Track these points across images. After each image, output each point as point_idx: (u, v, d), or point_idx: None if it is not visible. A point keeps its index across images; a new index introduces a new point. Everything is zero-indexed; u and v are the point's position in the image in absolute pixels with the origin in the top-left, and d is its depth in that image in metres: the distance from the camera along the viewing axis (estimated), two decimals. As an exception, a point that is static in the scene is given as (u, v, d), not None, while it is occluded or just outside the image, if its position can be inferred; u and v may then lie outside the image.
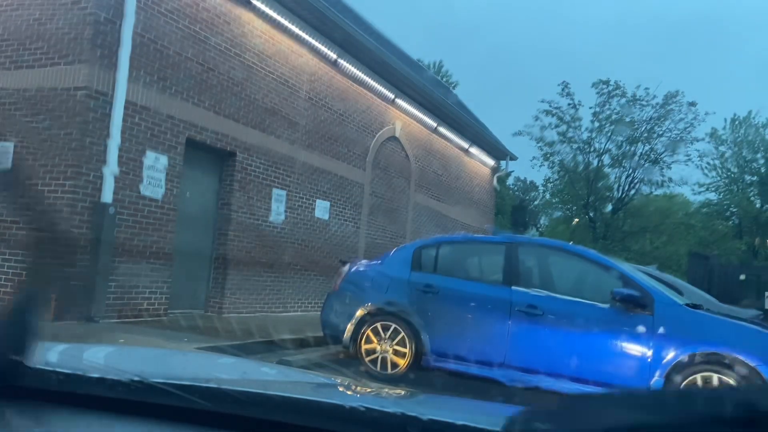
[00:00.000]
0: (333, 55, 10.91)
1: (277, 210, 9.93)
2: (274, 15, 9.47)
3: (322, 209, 11.06)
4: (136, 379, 0.86)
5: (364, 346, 6.29)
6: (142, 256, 7.49)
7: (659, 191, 31.78)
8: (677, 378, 5.04)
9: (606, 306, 5.42)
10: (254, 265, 9.38)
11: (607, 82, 29.23)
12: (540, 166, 31.97)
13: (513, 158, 19.58)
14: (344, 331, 6.34)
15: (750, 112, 33.67)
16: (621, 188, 31.35)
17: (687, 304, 5.52)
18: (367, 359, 6.27)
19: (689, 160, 30.36)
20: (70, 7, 7.02)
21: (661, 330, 5.19)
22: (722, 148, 33.82)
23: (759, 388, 0.80)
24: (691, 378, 5.01)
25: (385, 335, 6.22)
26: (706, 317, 5.41)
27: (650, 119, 29.36)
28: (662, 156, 29.94)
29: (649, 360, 5.17)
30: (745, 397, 0.74)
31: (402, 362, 6.13)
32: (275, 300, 9.93)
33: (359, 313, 6.35)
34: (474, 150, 17.32)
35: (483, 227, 13.75)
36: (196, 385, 0.85)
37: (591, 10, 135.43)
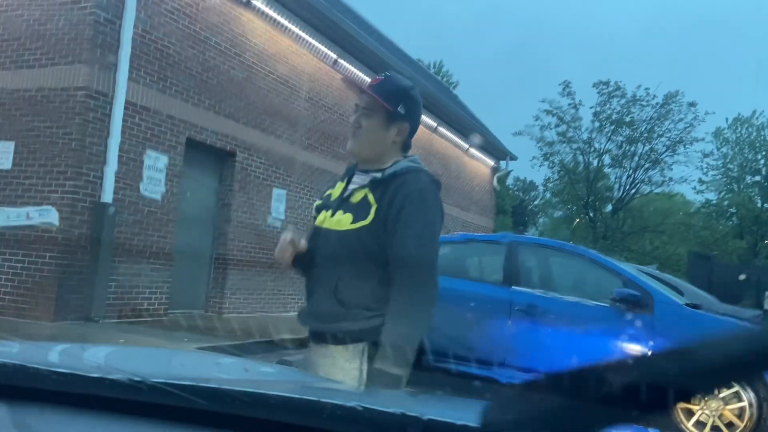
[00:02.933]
0: (333, 55, 10.91)
1: (277, 210, 9.93)
2: (274, 15, 9.47)
3: (322, 209, 11.04)
4: (136, 379, 0.86)
5: (364, 346, 6.28)
6: (142, 256, 7.49)
7: (659, 190, 31.78)
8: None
9: (606, 306, 5.42)
10: (254, 265, 9.38)
11: (607, 83, 29.28)
12: (540, 166, 32.01)
13: (513, 158, 19.58)
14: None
15: (754, 112, 33.59)
16: (621, 188, 31.35)
17: (687, 304, 5.52)
18: (367, 359, 6.26)
19: (689, 161, 30.37)
20: (70, 7, 7.02)
21: (661, 330, 5.19)
22: (724, 149, 33.78)
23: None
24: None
25: (385, 335, 6.21)
26: (706, 317, 5.41)
27: (650, 119, 29.37)
28: (663, 157, 29.95)
29: (649, 360, 5.16)
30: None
31: (402, 362, 6.11)
32: (275, 300, 9.92)
33: (359, 313, 6.35)
34: (474, 150, 17.31)
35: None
36: (196, 385, 0.85)
37: (592, 10, 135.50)
